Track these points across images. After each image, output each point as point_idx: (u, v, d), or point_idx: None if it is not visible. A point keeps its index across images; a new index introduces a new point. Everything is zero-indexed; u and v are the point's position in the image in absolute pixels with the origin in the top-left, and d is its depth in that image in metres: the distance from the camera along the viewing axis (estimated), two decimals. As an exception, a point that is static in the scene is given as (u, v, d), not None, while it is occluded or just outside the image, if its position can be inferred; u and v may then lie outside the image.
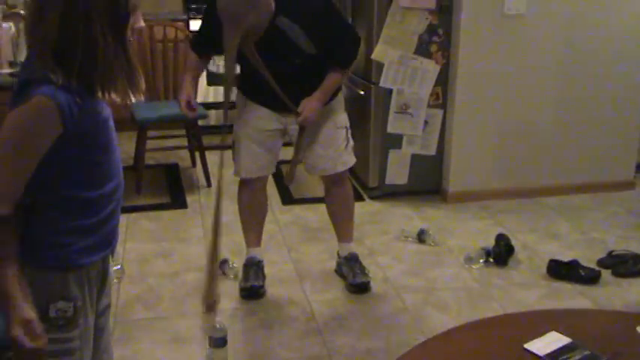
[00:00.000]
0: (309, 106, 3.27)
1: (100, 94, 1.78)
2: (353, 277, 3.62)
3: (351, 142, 3.54)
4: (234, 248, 3.98)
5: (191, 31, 3.39)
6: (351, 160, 3.56)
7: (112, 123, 1.88)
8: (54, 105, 1.64)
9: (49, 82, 1.65)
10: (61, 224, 1.79)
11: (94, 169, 1.82)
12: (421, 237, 4.21)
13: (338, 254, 3.79)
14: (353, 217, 3.76)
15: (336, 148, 3.48)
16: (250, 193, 3.59)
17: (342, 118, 3.50)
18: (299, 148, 3.43)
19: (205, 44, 3.36)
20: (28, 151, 1.67)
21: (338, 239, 3.77)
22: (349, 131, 3.52)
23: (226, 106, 2.93)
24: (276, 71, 3.07)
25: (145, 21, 5.46)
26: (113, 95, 1.81)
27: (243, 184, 3.58)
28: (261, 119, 3.40)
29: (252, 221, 3.66)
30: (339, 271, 3.76)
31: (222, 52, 2.88)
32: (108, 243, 1.91)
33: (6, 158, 1.66)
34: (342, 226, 3.74)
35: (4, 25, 3.86)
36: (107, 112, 1.85)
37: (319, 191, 3.51)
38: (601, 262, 3.88)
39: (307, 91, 3.27)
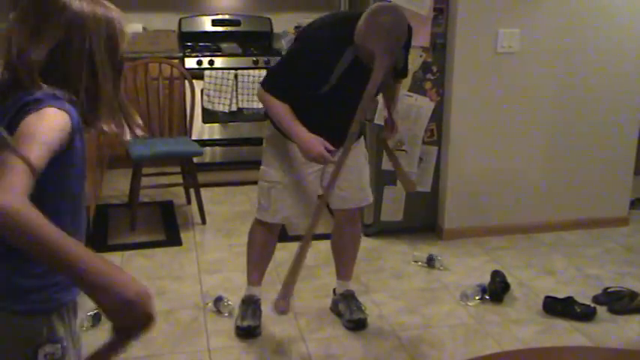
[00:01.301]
0: (396, 120, 3.41)
1: (99, 124, 1.79)
2: (350, 314, 3.61)
3: None
4: (228, 286, 3.98)
5: (268, 78, 3.22)
6: (371, 195, 3.62)
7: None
8: (67, 115, 1.63)
9: (57, 98, 1.64)
10: (35, 267, 1.71)
11: (71, 201, 1.79)
12: (430, 262, 4.35)
13: (334, 291, 3.77)
14: (356, 256, 3.76)
15: (365, 180, 3.52)
16: (267, 235, 3.52)
17: (366, 152, 3.55)
18: (395, 157, 3.58)
19: (293, 88, 3.11)
20: (50, 139, 1.57)
21: (337, 276, 3.75)
22: None
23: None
24: (348, 100, 3.03)
25: (141, 58, 5.54)
26: (112, 127, 1.82)
27: (263, 224, 3.48)
28: (303, 160, 3.22)
29: (260, 261, 3.59)
30: (334, 309, 3.74)
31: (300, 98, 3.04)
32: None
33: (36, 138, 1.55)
34: (345, 264, 3.73)
35: (1, 61, 3.87)
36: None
37: (316, 229, 3.48)
38: (597, 299, 3.87)
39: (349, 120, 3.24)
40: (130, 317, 1.44)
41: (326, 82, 3.04)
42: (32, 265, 1.69)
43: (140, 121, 1.89)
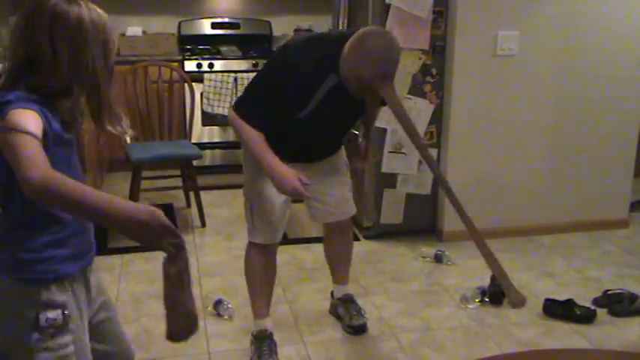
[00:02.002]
0: (370, 146, 3.29)
1: (105, 126, 1.95)
2: (350, 319, 3.59)
3: None
4: (228, 289, 3.98)
5: (244, 109, 2.92)
6: (354, 206, 3.53)
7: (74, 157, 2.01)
8: (33, 111, 1.77)
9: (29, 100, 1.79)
10: (34, 240, 1.92)
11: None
12: (438, 257, 4.45)
13: (332, 295, 3.77)
14: (351, 260, 3.73)
15: (345, 192, 3.41)
16: (268, 259, 3.33)
17: (346, 161, 3.42)
18: (361, 186, 3.40)
19: (268, 113, 2.92)
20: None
21: (334, 281, 3.73)
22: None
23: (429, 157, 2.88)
24: (334, 123, 3.00)
25: (140, 61, 5.55)
26: (117, 128, 1.98)
27: (259, 248, 3.28)
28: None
29: (265, 288, 3.38)
30: (333, 312, 3.74)
31: (277, 126, 2.91)
32: (84, 254, 2.05)
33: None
34: (340, 269, 3.71)
35: (0, 66, 3.87)
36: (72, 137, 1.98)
37: (314, 231, 3.49)
38: (597, 301, 3.87)
39: (335, 143, 3.23)
40: (152, 232, 1.77)
41: (305, 107, 2.88)
42: (31, 242, 1.91)
43: (128, 125, 2.02)
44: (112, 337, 2.24)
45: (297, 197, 3.03)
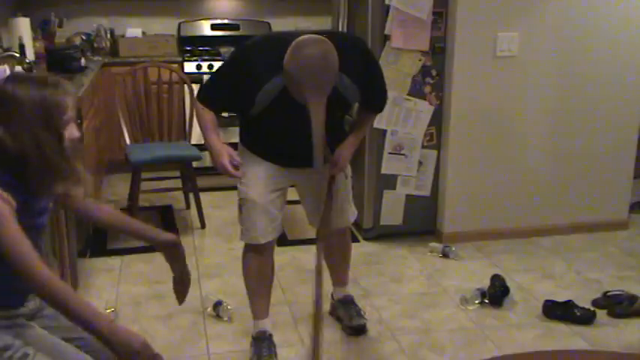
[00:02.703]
0: (345, 155, 3.19)
1: (55, 189, 2.16)
2: (350, 320, 3.59)
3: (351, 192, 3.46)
4: (228, 290, 3.97)
5: (201, 87, 3.20)
6: (355, 210, 3.50)
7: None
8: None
9: None
10: None
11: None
12: (445, 252, 4.54)
13: (332, 296, 3.75)
14: (350, 262, 3.71)
15: (344, 199, 3.38)
16: (261, 259, 3.31)
17: (349, 168, 3.36)
18: (332, 197, 3.26)
19: (220, 101, 3.11)
20: None
21: (333, 283, 3.71)
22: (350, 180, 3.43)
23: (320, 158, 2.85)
24: (300, 126, 2.87)
25: (140, 63, 5.56)
26: (69, 187, 2.21)
27: (254, 249, 3.28)
28: (273, 177, 3.18)
29: (262, 289, 3.38)
30: (333, 314, 3.73)
31: (236, 111, 3.02)
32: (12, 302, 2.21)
33: None
34: (339, 271, 3.68)
35: (0, 68, 3.87)
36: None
37: (314, 233, 3.48)
38: (596, 303, 3.86)
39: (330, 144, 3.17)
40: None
41: (250, 104, 2.92)
42: None
43: (85, 177, 2.27)
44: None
45: (224, 173, 3.06)
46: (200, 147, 5.28)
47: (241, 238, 3.28)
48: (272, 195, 3.18)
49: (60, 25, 6.27)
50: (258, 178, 3.16)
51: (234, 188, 3.26)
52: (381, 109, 3.31)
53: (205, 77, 5.98)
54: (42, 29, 6.15)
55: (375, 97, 3.20)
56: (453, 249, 4.55)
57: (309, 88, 2.67)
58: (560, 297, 3.87)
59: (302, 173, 3.22)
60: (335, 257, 3.61)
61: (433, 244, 4.63)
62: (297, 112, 2.76)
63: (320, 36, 2.73)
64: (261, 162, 3.16)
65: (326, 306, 3.79)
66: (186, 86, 5.42)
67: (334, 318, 3.71)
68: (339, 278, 3.69)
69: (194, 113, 5.29)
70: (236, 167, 3.03)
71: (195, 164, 5.15)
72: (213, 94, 3.09)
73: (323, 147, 2.87)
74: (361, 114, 3.28)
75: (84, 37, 6.27)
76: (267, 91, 2.86)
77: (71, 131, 2.14)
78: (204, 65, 6.10)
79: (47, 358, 2.12)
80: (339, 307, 3.68)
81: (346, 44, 2.89)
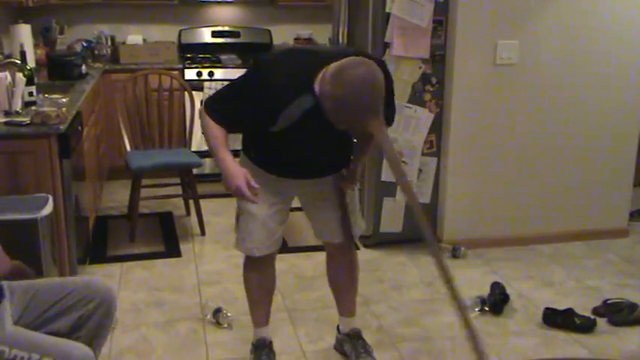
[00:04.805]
0: (358, 169, 3.11)
1: None
2: (356, 358, 3.34)
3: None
4: (228, 297, 3.97)
5: (211, 100, 2.96)
6: (363, 223, 3.36)
7: None
8: None
9: None
10: None
11: None
12: (455, 253, 4.61)
13: (338, 329, 3.51)
14: (357, 288, 3.45)
15: (356, 212, 3.25)
16: (261, 272, 3.27)
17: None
18: (345, 208, 3.17)
19: (236, 120, 2.91)
20: None
21: (339, 312, 3.46)
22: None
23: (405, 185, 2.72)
24: (319, 143, 2.85)
25: (141, 70, 5.57)
26: None
27: (253, 262, 3.21)
28: (275, 191, 3.06)
29: (262, 297, 3.33)
30: (339, 349, 3.50)
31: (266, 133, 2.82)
32: None
33: None
34: (346, 298, 3.43)
35: (0, 74, 3.87)
36: None
37: (314, 239, 3.48)
38: (596, 311, 3.86)
39: (332, 160, 3.08)
40: None
41: (273, 123, 2.77)
42: None
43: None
44: None
45: (242, 197, 2.89)
46: (200, 154, 5.29)
47: (235, 246, 3.21)
48: (272, 209, 3.08)
49: (61, 32, 6.29)
50: (260, 191, 2.96)
51: (235, 196, 3.24)
52: (391, 124, 3.15)
53: (206, 84, 5.99)
54: (43, 36, 6.17)
55: (387, 114, 2.99)
56: (463, 249, 4.60)
57: (364, 112, 2.51)
58: (561, 305, 3.86)
59: (305, 186, 3.12)
60: (341, 281, 3.42)
61: (442, 245, 4.66)
62: (322, 130, 2.66)
63: (361, 57, 2.61)
64: (264, 174, 3.01)
65: (327, 312, 3.79)
66: (186, 93, 5.42)
67: (339, 353, 3.50)
68: (346, 306, 3.45)
69: (195, 121, 5.36)
70: (254, 190, 2.84)
71: (195, 171, 5.15)
72: (229, 112, 2.89)
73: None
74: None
75: (85, 44, 6.28)
76: (292, 110, 2.73)
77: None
78: (205, 72, 6.11)
79: (21, 351, 2.19)
80: (345, 341, 3.44)
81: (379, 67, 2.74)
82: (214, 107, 2.91)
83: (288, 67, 2.77)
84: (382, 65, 2.83)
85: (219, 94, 2.98)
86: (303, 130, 2.76)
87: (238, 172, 2.84)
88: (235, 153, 3.01)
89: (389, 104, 2.96)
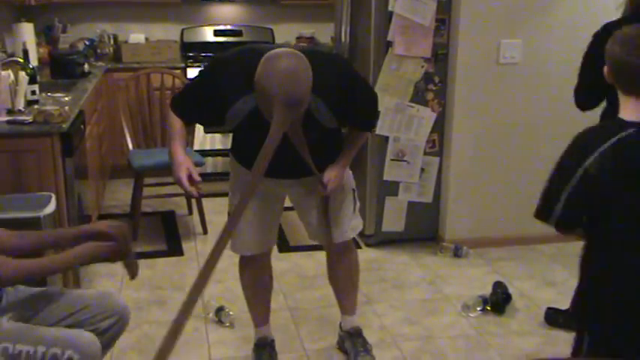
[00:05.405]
0: (335, 174, 2.98)
1: None
2: (355, 356, 3.35)
3: (358, 204, 3.26)
4: (230, 296, 3.97)
5: (175, 96, 3.05)
6: (359, 224, 3.30)
7: None
8: None
9: None
10: None
11: None
12: (457, 252, 4.61)
13: (340, 327, 3.51)
14: (358, 287, 3.45)
15: (345, 213, 3.18)
16: (255, 272, 3.28)
17: (351, 181, 3.21)
18: (326, 215, 3.12)
19: (189, 113, 2.94)
20: None
21: (341, 310, 3.46)
22: (356, 192, 3.24)
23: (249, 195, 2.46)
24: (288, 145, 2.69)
25: (143, 69, 5.57)
26: None
27: (247, 261, 3.25)
28: (266, 189, 3.04)
29: (259, 298, 3.35)
30: (341, 346, 3.50)
31: (209, 124, 2.81)
32: None
33: None
34: (346, 297, 3.43)
35: (3, 72, 3.88)
36: None
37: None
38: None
39: (318, 162, 2.94)
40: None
41: (220, 121, 2.77)
42: None
43: None
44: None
45: (183, 189, 2.94)
46: (202, 153, 5.29)
47: (230, 248, 3.19)
48: (261, 208, 3.07)
49: (63, 31, 6.29)
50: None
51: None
52: (369, 130, 3.15)
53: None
54: (45, 35, 6.17)
55: (360, 122, 3.00)
56: (464, 247, 4.60)
57: (281, 103, 2.38)
58: (562, 304, 3.86)
59: (291, 186, 3.09)
60: (341, 281, 3.41)
61: (444, 244, 4.67)
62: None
63: (294, 50, 2.53)
64: (249, 174, 2.95)
65: (328, 311, 3.79)
66: (189, 92, 5.42)
67: (340, 350, 3.51)
68: (346, 305, 3.44)
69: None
70: (194, 184, 2.89)
71: (197, 170, 5.14)
72: (183, 104, 2.95)
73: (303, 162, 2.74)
74: (350, 133, 3.06)
75: (87, 43, 6.28)
76: (238, 109, 2.70)
77: None
78: (207, 71, 6.11)
79: (26, 345, 2.18)
80: (346, 339, 3.45)
81: (325, 65, 2.69)
82: (175, 100, 2.99)
83: (236, 66, 2.74)
84: (342, 67, 2.83)
85: (182, 89, 3.06)
86: (256, 129, 2.65)
87: (181, 162, 2.89)
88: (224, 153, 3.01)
89: (357, 113, 2.90)
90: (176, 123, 2.94)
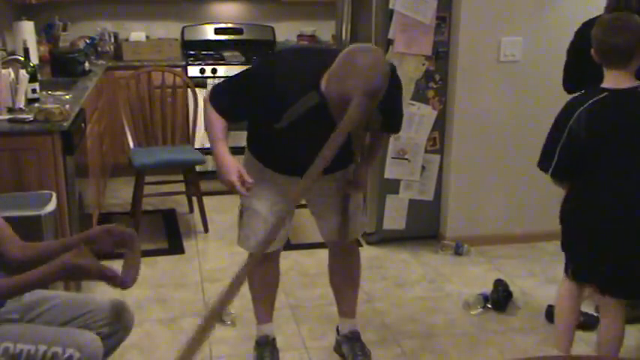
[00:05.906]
0: (364, 175, 3.06)
1: None
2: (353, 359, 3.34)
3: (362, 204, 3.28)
4: (231, 294, 3.97)
5: (215, 91, 2.95)
6: (365, 223, 3.29)
7: None
8: None
9: None
10: None
11: None
12: (458, 250, 4.63)
13: (337, 330, 3.49)
14: (358, 290, 3.43)
15: (358, 212, 3.20)
16: (263, 269, 3.25)
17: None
18: (346, 214, 3.13)
19: (238, 112, 2.92)
20: None
21: (339, 313, 3.44)
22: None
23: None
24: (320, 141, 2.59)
25: (144, 67, 5.56)
26: None
27: (253, 255, 3.10)
28: (279, 189, 3.03)
29: (266, 295, 3.33)
30: (338, 350, 3.47)
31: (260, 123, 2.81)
32: None
33: None
34: (346, 299, 3.40)
35: (3, 71, 3.87)
36: None
37: (316, 237, 3.48)
38: (598, 309, 3.85)
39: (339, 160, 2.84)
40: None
41: (278, 117, 2.73)
42: None
43: None
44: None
45: (233, 190, 2.88)
46: (203, 151, 5.29)
47: (238, 243, 3.20)
48: (276, 206, 3.05)
49: (64, 29, 6.28)
50: (264, 188, 3.00)
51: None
52: (398, 131, 3.17)
53: (209, 81, 5.98)
54: (46, 33, 6.16)
55: (393, 121, 3.05)
56: (466, 245, 4.61)
57: (357, 92, 2.42)
58: (563, 302, 3.86)
59: (321, 185, 3.05)
60: (342, 282, 3.39)
61: (445, 242, 4.68)
62: (323, 129, 2.50)
63: (370, 45, 2.59)
64: (269, 172, 3.02)
65: (329, 309, 3.79)
66: (189, 90, 5.42)
67: (337, 354, 3.48)
68: (346, 307, 3.42)
69: (199, 116, 5.35)
70: (246, 184, 2.83)
71: (198, 168, 5.16)
72: (231, 103, 2.87)
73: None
74: (376, 135, 3.12)
75: (88, 41, 6.28)
76: (296, 108, 2.70)
77: None
78: (208, 69, 6.10)
79: (27, 344, 2.18)
80: (343, 342, 3.41)
81: None
82: (217, 97, 2.91)
83: (294, 66, 2.76)
84: (393, 70, 2.82)
85: (224, 84, 2.96)
86: (305, 127, 2.73)
87: (232, 166, 2.83)
88: (240, 150, 3.00)
89: (394, 112, 2.98)
90: (217, 122, 2.88)
